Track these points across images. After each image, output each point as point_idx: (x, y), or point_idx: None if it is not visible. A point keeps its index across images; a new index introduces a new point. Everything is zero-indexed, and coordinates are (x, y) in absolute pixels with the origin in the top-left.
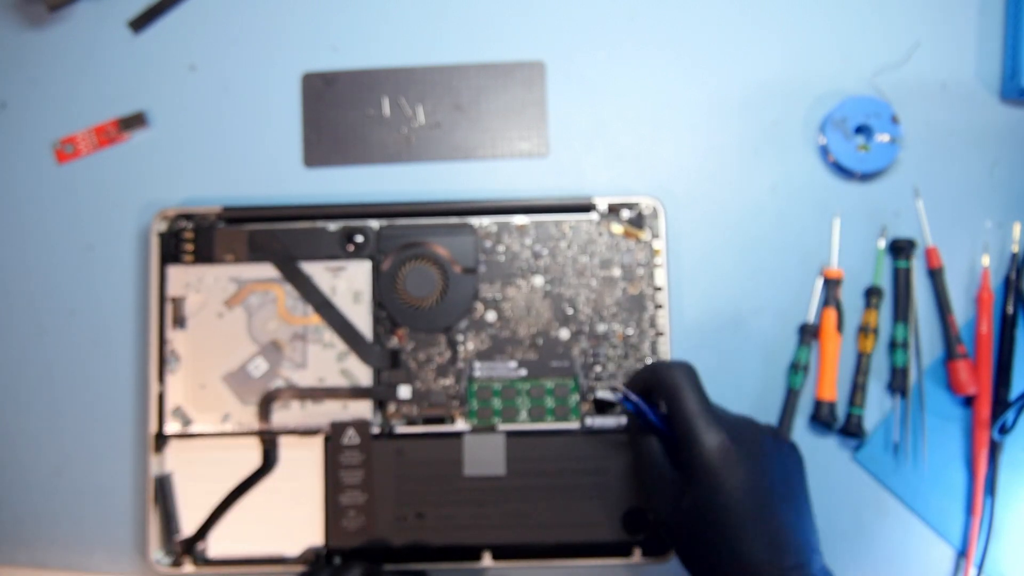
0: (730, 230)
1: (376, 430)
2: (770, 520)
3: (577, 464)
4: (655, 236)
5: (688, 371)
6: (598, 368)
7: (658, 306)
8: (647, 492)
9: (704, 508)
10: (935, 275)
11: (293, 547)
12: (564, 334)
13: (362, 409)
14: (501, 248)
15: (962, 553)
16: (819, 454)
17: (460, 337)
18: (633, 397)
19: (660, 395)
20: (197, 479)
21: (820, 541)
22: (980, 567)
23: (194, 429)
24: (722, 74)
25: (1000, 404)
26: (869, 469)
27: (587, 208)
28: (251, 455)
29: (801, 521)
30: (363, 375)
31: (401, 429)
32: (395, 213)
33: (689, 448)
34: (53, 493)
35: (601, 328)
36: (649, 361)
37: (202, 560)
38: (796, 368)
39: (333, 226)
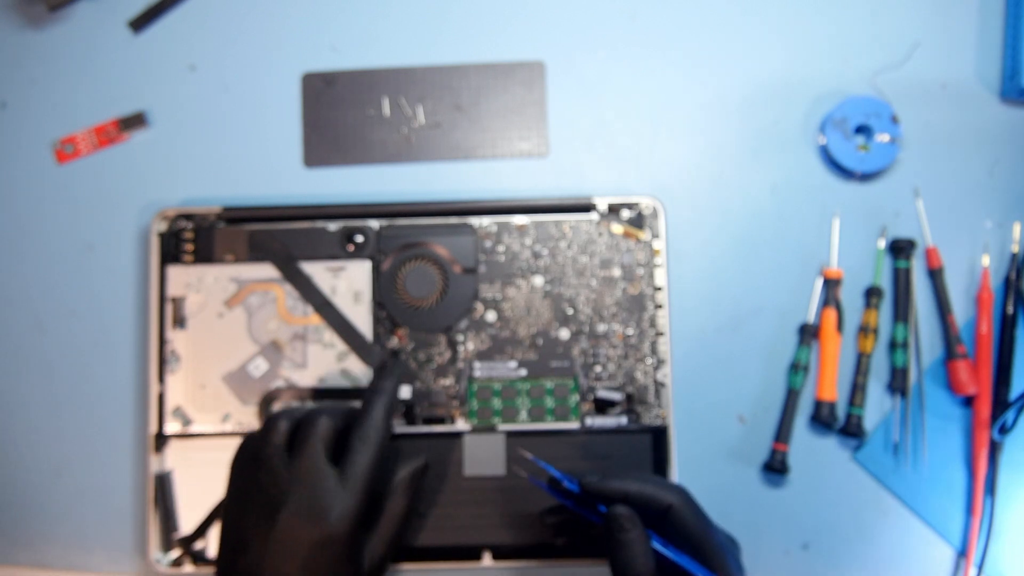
0: (730, 230)
1: None
2: None
3: (577, 464)
4: (655, 236)
5: (683, 495)
6: (598, 368)
7: (658, 306)
8: None
9: None
10: (935, 275)
11: None
12: (564, 334)
13: None
14: (501, 248)
15: (962, 553)
16: (819, 454)
17: (460, 337)
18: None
19: (680, 533)
20: (197, 479)
21: None
22: (980, 567)
23: (194, 429)
24: (722, 74)
25: (1000, 404)
26: (869, 469)
27: (587, 208)
28: None
29: None
30: (363, 375)
31: (401, 429)
32: (395, 213)
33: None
34: (53, 493)
35: (601, 328)
36: (649, 362)
37: (202, 560)
38: (796, 368)
39: (333, 226)
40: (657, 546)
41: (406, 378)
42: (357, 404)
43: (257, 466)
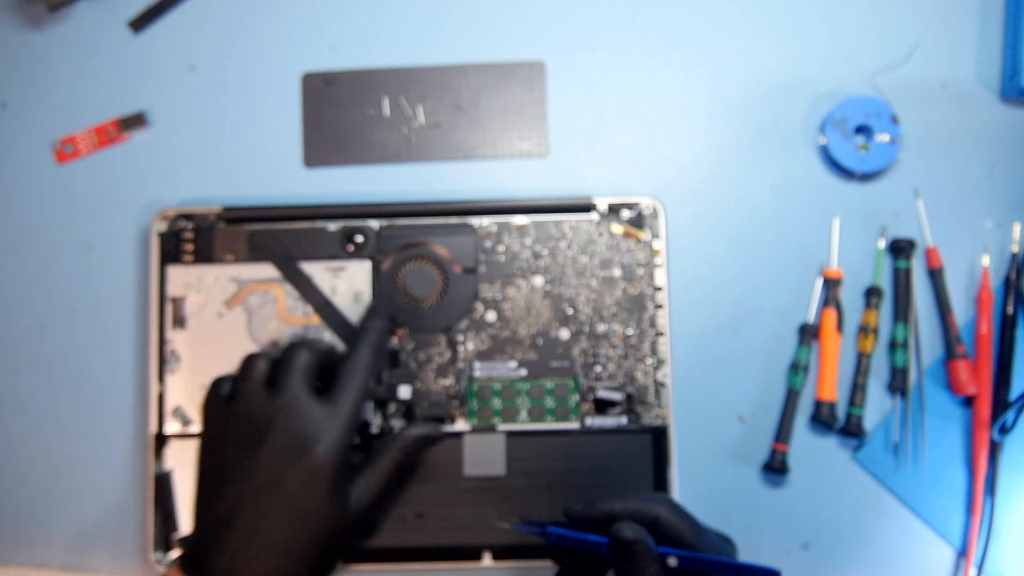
0: (730, 230)
1: (376, 430)
2: None
3: (577, 464)
4: (655, 236)
5: (669, 505)
6: (598, 368)
7: (658, 306)
8: None
9: None
10: (935, 275)
11: None
12: (564, 334)
13: None
14: (501, 248)
15: (962, 553)
16: (819, 454)
17: (460, 337)
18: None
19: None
20: None
21: None
22: (980, 567)
23: (194, 429)
24: (722, 74)
25: (1000, 404)
26: (869, 469)
27: (587, 208)
28: None
29: None
30: None
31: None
32: (395, 213)
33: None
34: (53, 493)
35: (601, 328)
36: (649, 362)
37: None
38: (796, 368)
39: (333, 226)
40: (667, 551)
41: (406, 378)
42: (337, 342)
43: (237, 402)
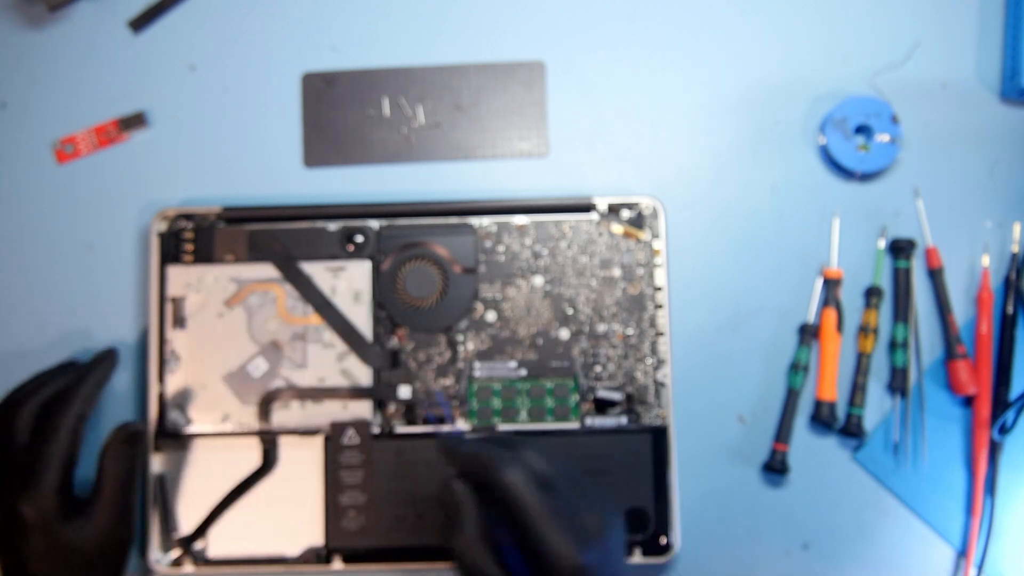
0: (730, 230)
1: (376, 430)
2: None
3: (577, 464)
4: (655, 236)
5: (524, 470)
6: (598, 368)
7: (658, 306)
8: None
9: None
10: (935, 275)
11: (293, 547)
12: (564, 334)
13: (362, 409)
14: (501, 248)
15: (962, 553)
16: (819, 454)
17: (460, 337)
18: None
19: (498, 498)
20: (197, 479)
21: None
22: (980, 567)
23: (194, 429)
24: (722, 74)
25: (1000, 404)
26: (869, 469)
27: (587, 208)
28: (251, 455)
29: None
30: (363, 375)
31: (401, 429)
32: (395, 213)
33: (541, 560)
34: None
35: (601, 328)
36: (649, 362)
37: (202, 560)
38: (796, 368)
39: (333, 226)
40: (498, 528)
41: (406, 378)
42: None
43: None
